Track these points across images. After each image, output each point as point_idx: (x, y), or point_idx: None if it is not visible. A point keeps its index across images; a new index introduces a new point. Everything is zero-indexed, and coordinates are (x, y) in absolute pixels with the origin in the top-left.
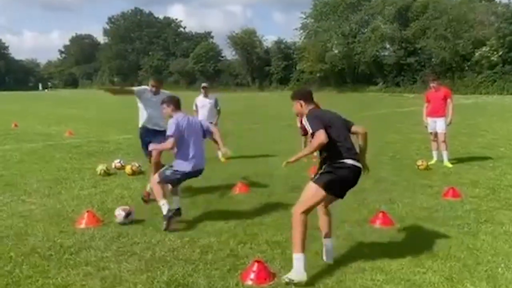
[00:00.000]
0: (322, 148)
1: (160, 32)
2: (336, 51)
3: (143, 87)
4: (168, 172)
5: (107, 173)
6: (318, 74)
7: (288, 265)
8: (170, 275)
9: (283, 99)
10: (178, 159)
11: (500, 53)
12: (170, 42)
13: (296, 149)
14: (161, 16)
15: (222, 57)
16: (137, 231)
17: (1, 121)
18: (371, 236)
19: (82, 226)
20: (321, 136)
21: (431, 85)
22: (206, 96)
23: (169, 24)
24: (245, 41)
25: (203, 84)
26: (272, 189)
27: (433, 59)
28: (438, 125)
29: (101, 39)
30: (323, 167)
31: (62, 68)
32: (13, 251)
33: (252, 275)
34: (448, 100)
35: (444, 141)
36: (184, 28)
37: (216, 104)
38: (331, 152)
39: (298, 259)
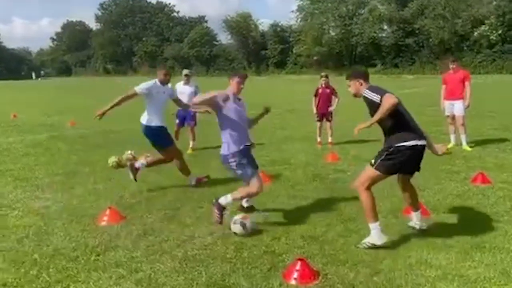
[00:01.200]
0: (385, 125)
1: (153, 17)
2: (333, 34)
3: (147, 84)
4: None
5: (119, 165)
6: (315, 57)
7: (330, 262)
8: (208, 276)
9: (284, 83)
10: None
11: (500, 31)
12: (164, 27)
13: (308, 135)
14: (153, 1)
15: (217, 41)
16: (163, 227)
17: (0, 112)
18: (408, 227)
19: (104, 223)
20: (392, 97)
21: (451, 66)
22: (187, 83)
23: (162, 9)
24: (241, 25)
25: (186, 72)
26: (294, 179)
27: (431, 40)
28: (456, 107)
29: (93, 25)
30: (384, 150)
31: (54, 56)
32: (37, 252)
33: (295, 274)
34: (467, 83)
35: (463, 124)
36: (178, 12)
37: (196, 92)
38: (393, 130)
39: (375, 227)
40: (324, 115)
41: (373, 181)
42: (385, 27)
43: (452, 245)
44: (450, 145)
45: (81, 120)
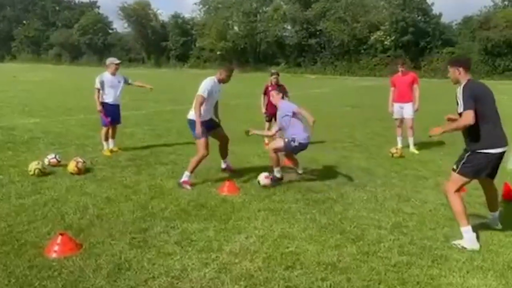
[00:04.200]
0: (467, 129)
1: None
2: (237, 29)
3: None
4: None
5: (43, 173)
6: (218, 52)
7: None
8: None
9: (189, 77)
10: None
11: (393, 37)
12: (49, 10)
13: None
14: None
15: (112, 29)
16: (138, 257)
17: None
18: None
19: (56, 255)
20: (469, 117)
21: (400, 69)
22: (114, 74)
23: None
24: (139, 13)
25: (117, 61)
26: (265, 189)
27: (333, 41)
28: (406, 110)
29: None
30: (465, 154)
31: None
32: None
33: None
34: (415, 85)
35: (412, 127)
36: None
37: (126, 81)
38: (475, 133)
39: (467, 231)
40: (274, 115)
41: (459, 185)
42: (289, 26)
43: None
44: (398, 147)
45: None
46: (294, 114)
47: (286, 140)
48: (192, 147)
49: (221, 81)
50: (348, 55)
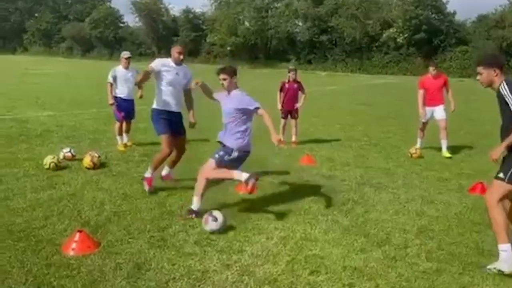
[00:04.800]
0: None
1: None
2: (248, 25)
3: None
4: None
5: (58, 167)
6: (229, 48)
7: None
8: None
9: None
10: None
11: (406, 35)
12: (61, 3)
13: (257, 132)
14: None
15: (123, 23)
16: (158, 257)
17: None
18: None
19: (74, 253)
20: None
21: (433, 72)
22: (127, 67)
23: None
24: (150, 7)
25: (128, 54)
26: (282, 188)
27: (344, 38)
28: (438, 112)
29: None
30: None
31: None
32: None
33: None
34: (449, 87)
35: (445, 128)
36: None
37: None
38: None
39: (505, 250)
40: (290, 112)
41: (505, 196)
42: (300, 23)
43: None
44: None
45: None
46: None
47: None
48: (208, 144)
49: (175, 61)
50: (359, 52)
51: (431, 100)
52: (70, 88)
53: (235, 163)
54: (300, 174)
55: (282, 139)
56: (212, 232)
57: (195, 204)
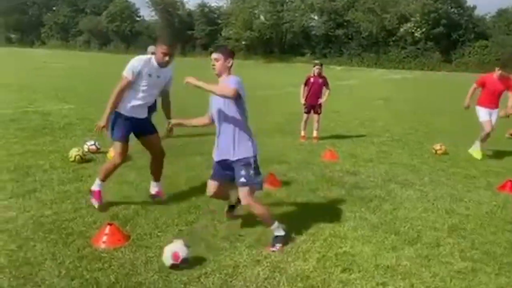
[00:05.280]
0: None
1: None
2: (263, 19)
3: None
4: None
5: (83, 159)
6: (244, 42)
7: None
8: None
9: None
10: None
11: (424, 29)
12: None
13: (278, 126)
14: None
15: (139, 17)
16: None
17: None
18: None
19: (105, 246)
20: None
21: (500, 73)
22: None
23: None
24: (166, 1)
25: (152, 49)
26: (308, 183)
27: (362, 33)
28: (493, 117)
29: None
30: None
31: None
32: None
33: None
34: (510, 93)
35: (490, 134)
36: None
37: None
38: None
39: None
40: (313, 107)
41: None
42: (316, 17)
43: None
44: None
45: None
46: None
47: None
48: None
49: (158, 63)
50: (376, 46)
51: (490, 102)
52: (89, 82)
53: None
54: (323, 170)
55: (303, 133)
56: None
57: (277, 232)
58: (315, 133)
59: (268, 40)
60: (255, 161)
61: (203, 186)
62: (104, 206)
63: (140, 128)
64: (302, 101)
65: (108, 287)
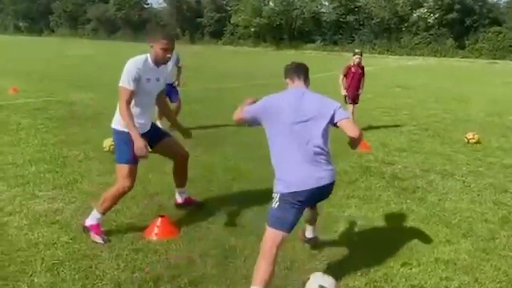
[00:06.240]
0: None
1: None
2: (272, 5)
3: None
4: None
5: None
6: (253, 29)
7: None
8: None
9: (234, 54)
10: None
11: (437, 15)
12: None
13: None
14: None
15: (147, 4)
16: (240, 245)
17: None
18: None
19: (156, 238)
20: None
21: None
22: None
23: None
24: None
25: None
26: (345, 174)
27: (373, 19)
28: None
29: None
30: None
31: None
32: None
33: None
34: None
35: None
36: None
37: (177, 60)
38: None
39: None
40: (353, 97)
41: None
42: (326, 2)
43: None
44: None
45: (23, 86)
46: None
47: None
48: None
49: (157, 61)
50: (388, 33)
51: None
52: (105, 70)
53: None
54: (358, 160)
55: None
56: None
57: None
58: None
59: (277, 26)
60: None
61: (241, 177)
62: (108, 239)
63: (150, 138)
64: (344, 92)
65: (169, 280)
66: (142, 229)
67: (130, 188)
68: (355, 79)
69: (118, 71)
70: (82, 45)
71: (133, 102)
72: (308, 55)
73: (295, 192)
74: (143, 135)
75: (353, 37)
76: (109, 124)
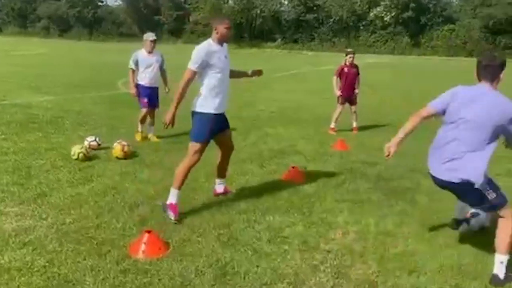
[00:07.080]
0: None
1: None
2: (232, 3)
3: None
4: None
5: (87, 157)
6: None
7: None
8: None
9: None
10: None
11: (393, 13)
12: None
13: (288, 116)
14: None
15: (102, 2)
16: (238, 260)
17: None
18: None
19: (143, 256)
20: None
21: None
22: (151, 52)
23: None
24: None
25: (153, 37)
26: (331, 176)
27: (332, 17)
28: None
29: None
30: None
31: None
32: None
33: None
34: None
35: None
36: None
37: (162, 62)
38: None
39: None
40: (349, 98)
41: None
42: (286, 1)
43: None
44: None
45: None
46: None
47: None
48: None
49: (221, 39)
50: (346, 31)
51: None
52: (59, 70)
53: None
54: (340, 161)
55: (333, 125)
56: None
57: None
58: (354, 124)
59: (238, 25)
60: None
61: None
62: (180, 219)
63: (220, 125)
64: (338, 93)
65: None
66: (126, 246)
67: (197, 161)
68: (349, 79)
69: (73, 70)
70: (33, 44)
71: (213, 83)
72: (269, 53)
73: None
74: (219, 116)
75: (312, 35)
76: (71, 128)
